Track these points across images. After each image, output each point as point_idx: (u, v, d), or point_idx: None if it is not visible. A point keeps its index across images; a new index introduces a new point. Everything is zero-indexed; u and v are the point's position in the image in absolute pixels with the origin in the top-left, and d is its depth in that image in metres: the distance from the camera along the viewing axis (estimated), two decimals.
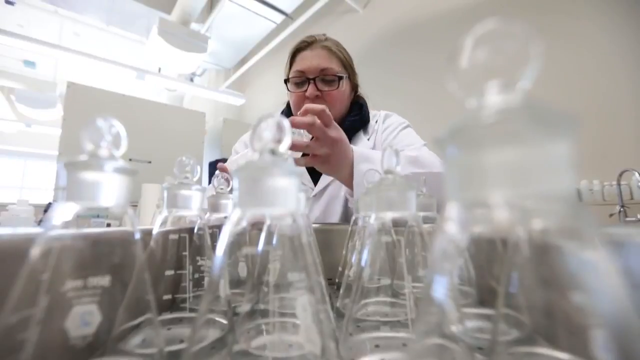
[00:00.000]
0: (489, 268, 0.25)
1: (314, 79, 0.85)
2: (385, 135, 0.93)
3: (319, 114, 0.63)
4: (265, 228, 0.26)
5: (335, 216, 0.89)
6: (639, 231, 0.25)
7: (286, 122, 0.19)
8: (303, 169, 0.94)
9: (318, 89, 0.85)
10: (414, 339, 0.11)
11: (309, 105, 0.65)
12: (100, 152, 0.20)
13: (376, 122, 0.97)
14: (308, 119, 0.61)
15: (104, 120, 0.21)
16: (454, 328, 0.12)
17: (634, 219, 1.35)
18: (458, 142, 0.11)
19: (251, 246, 0.33)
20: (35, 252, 0.19)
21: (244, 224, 0.19)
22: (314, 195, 0.90)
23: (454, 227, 0.11)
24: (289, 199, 0.18)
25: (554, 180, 0.10)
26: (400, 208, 0.25)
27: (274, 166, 0.17)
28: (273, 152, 0.18)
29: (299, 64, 0.88)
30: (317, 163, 0.67)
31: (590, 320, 0.10)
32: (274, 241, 0.22)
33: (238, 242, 0.36)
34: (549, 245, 0.10)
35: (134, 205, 1.56)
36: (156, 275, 0.34)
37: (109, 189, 0.19)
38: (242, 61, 4.15)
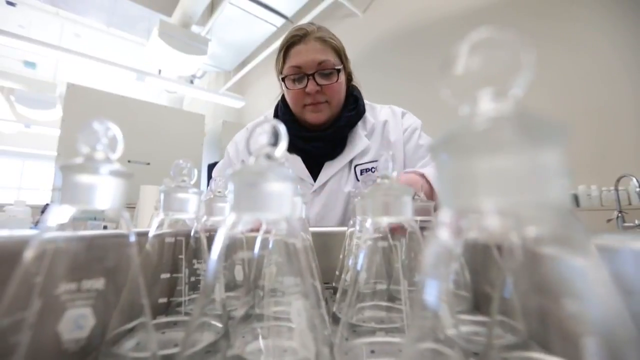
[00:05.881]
0: (480, 274, 0.25)
1: (312, 74, 0.83)
2: (408, 135, 0.92)
3: None
4: (261, 232, 0.26)
5: (336, 211, 0.89)
6: (632, 237, 0.25)
7: (282, 127, 0.19)
8: (302, 165, 0.93)
9: (317, 84, 0.83)
10: (405, 344, 0.11)
11: None
12: (96, 155, 0.20)
13: (385, 119, 0.95)
14: None
15: (100, 123, 0.21)
16: (447, 332, 0.12)
17: (631, 224, 1.35)
18: (450, 149, 0.11)
19: (246, 250, 0.33)
20: (28, 254, 0.19)
21: (239, 228, 0.19)
22: (314, 191, 0.90)
23: (445, 233, 0.11)
24: (284, 204, 0.18)
25: (545, 189, 0.10)
26: (396, 213, 0.25)
27: (269, 171, 0.17)
28: (269, 156, 0.18)
29: (295, 59, 0.84)
30: None
31: (579, 326, 0.10)
32: (269, 246, 0.22)
33: (233, 246, 0.36)
34: (539, 253, 0.10)
35: (132, 207, 1.56)
36: (152, 278, 0.34)
37: (104, 191, 0.19)
38: (242, 64, 4.17)
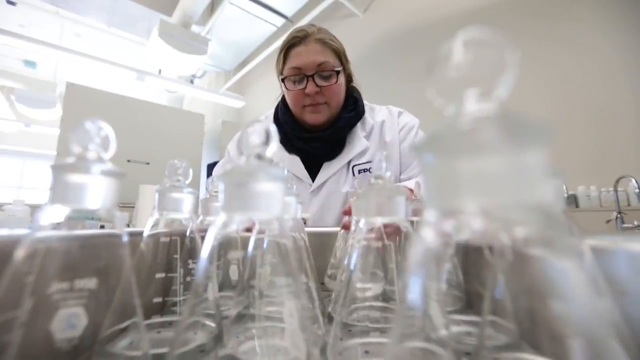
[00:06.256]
0: (465, 274, 0.25)
1: (312, 76, 0.84)
2: (404, 134, 0.92)
3: None
4: (254, 232, 0.26)
5: (334, 211, 0.90)
6: (626, 238, 0.25)
7: (273, 127, 0.19)
8: (300, 165, 0.93)
9: (317, 85, 0.84)
10: (388, 343, 0.11)
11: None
12: (88, 155, 0.20)
13: (382, 120, 0.95)
14: None
15: (92, 122, 0.21)
16: (431, 331, 0.12)
17: (630, 225, 1.35)
18: (434, 149, 0.11)
19: (240, 250, 0.33)
20: (19, 253, 0.19)
21: (233, 227, 0.19)
22: (312, 191, 0.90)
23: (429, 233, 0.11)
24: (274, 204, 0.18)
25: (528, 189, 0.10)
26: (390, 213, 0.25)
27: (259, 171, 0.17)
28: (259, 156, 0.18)
29: (294, 61, 0.85)
30: None
31: (561, 327, 0.10)
32: (261, 246, 0.22)
33: (228, 245, 0.36)
34: (522, 253, 0.10)
35: (132, 206, 1.56)
36: (146, 277, 0.34)
37: (94, 191, 0.19)
38: (242, 64, 4.17)
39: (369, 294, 0.30)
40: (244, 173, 0.17)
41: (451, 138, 0.10)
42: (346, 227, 0.50)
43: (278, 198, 0.18)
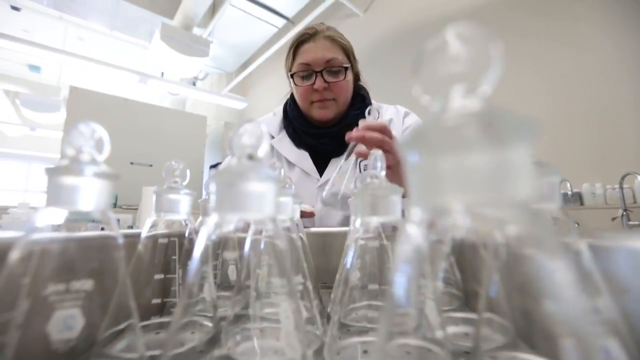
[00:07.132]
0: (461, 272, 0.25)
1: (320, 72, 0.85)
2: None
3: (382, 131, 0.64)
4: (250, 233, 0.26)
5: None
6: (627, 236, 0.24)
7: (264, 127, 0.19)
8: (309, 160, 0.92)
9: (325, 81, 0.86)
10: (374, 341, 0.11)
11: (369, 126, 0.65)
12: (81, 157, 0.20)
13: (390, 118, 0.96)
14: (378, 135, 0.62)
15: (85, 125, 0.21)
16: (406, 327, 0.12)
17: (636, 222, 1.33)
18: (417, 146, 0.11)
19: (235, 251, 0.33)
20: (14, 255, 0.19)
21: (230, 227, 0.19)
22: (320, 186, 0.90)
23: (415, 232, 0.11)
24: (266, 204, 0.18)
25: (510, 186, 0.10)
26: (385, 213, 0.25)
27: (250, 171, 0.17)
28: (251, 157, 0.18)
29: (303, 57, 0.87)
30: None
31: (548, 326, 0.09)
32: (256, 246, 0.22)
33: (219, 245, 0.37)
34: (505, 251, 0.10)
35: (135, 208, 1.57)
36: (145, 279, 0.34)
37: (87, 193, 0.19)
38: (244, 65, 4.18)
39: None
40: (234, 173, 0.17)
41: (434, 135, 0.10)
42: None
43: (270, 198, 0.18)
